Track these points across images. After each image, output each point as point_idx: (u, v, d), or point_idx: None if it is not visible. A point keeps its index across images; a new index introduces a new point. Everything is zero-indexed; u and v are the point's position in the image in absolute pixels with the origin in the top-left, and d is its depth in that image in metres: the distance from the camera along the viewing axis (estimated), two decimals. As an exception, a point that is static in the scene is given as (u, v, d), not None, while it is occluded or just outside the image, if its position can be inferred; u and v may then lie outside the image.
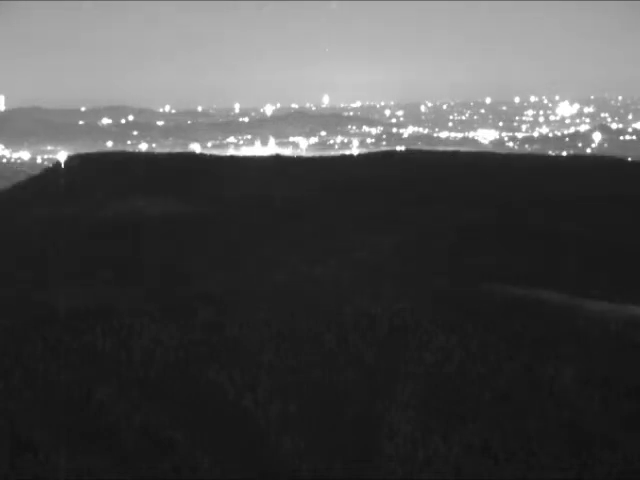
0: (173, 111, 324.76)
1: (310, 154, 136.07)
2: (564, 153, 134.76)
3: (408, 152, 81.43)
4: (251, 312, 29.55)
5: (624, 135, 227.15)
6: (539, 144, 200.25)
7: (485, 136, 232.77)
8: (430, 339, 28.09)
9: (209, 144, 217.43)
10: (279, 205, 48.16)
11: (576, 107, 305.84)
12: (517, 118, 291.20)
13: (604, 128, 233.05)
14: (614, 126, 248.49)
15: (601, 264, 37.65)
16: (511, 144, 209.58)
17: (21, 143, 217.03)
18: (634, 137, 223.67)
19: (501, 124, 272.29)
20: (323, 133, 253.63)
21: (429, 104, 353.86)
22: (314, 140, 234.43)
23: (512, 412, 24.49)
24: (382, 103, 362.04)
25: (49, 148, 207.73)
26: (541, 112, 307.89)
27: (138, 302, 30.59)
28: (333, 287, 33.07)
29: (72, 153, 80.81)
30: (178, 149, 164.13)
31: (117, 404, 24.50)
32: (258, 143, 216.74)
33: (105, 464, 21.99)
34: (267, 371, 26.62)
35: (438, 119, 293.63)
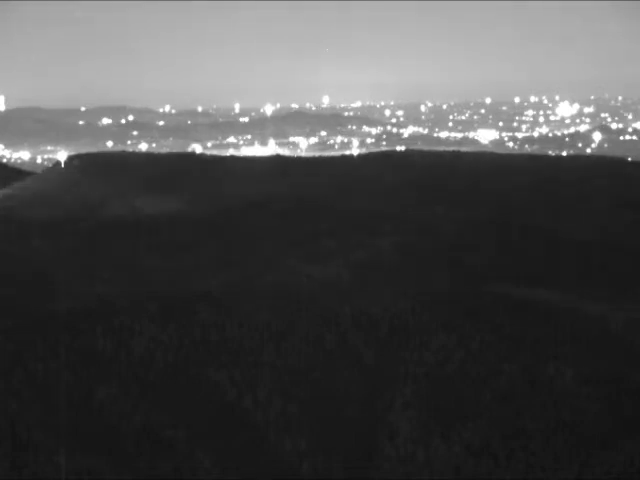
0: (173, 111, 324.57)
1: (310, 154, 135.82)
2: (564, 153, 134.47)
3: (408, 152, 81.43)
4: (251, 312, 29.54)
5: (624, 135, 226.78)
6: (539, 144, 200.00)
7: (485, 136, 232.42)
8: (430, 339, 28.09)
9: (209, 144, 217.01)
10: (279, 205, 48.14)
11: (576, 107, 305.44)
12: (517, 118, 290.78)
13: (604, 128, 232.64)
14: (614, 126, 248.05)
15: (601, 264, 37.64)
16: (511, 144, 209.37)
17: (21, 143, 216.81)
18: (634, 137, 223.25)
19: (501, 124, 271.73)
20: (323, 133, 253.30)
21: (429, 104, 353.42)
22: (314, 140, 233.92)
23: (512, 412, 24.50)
24: (382, 103, 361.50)
25: (49, 148, 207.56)
26: (541, 112, 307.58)
27: (138, 302, 30.57)
28: (333, 287, 33.06)
29: (72, 153, 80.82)
30: (178, 149, 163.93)
31: (117, 404, 24.51)
32: (258, 143, 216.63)
33: (105, 464, 21.99)
34: (267, 371, 26.64)
35: (438, 119, 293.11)
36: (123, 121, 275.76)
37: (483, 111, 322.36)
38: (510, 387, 25.37)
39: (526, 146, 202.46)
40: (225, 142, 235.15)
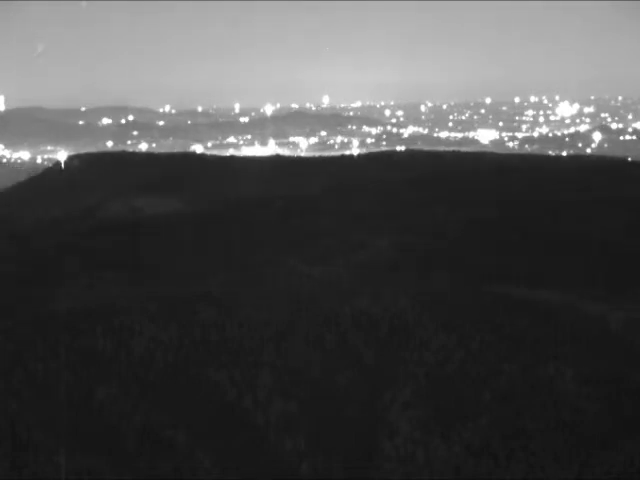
0: (173, 111, 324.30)
1: (310, 154, 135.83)
2: (564, 153, 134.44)
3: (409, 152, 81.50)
4: (251, 312, 29.53)
5: (624, 135, 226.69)
6: (539, 144, 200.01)
7: (485, 136, 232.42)
8: (430, 339, 28.08)
9: (209, 144, 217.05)
10: (279, 205, 48.15)
11: (576, 107, 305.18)
12: (517, 118, 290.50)
13: (604, 128, 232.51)
14: (614, 126, 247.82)
15: (601, 264, 37.62)
16: (511, 144, 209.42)
17: (21, 143, 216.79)
18: (634, 137, 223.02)
19: (501, 124, 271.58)
20: (323, 133, 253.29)
21: (429, 104, 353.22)
22: (314, 140, 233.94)
23: (512, 412, 24.49)
24: (382, 103, 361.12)
25: (49, 148, 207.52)
26: (541, 112, 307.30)
27: (138, 302, 30.56)
28: (333, 287, 33.05)
29: (72, 153, 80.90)
30: (178, 149, 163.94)
31: (117, 404, 24.51)
32: (258, 143, 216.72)
33: (105, 464, 21.99)
34: (267, 371, 26.63)
35: (438, 119, 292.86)
36: (123, 121, 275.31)
37: (483, 111, 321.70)
38: (510, 387, 25.36)
39: (526, 146, 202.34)
40: (225, 142, 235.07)
